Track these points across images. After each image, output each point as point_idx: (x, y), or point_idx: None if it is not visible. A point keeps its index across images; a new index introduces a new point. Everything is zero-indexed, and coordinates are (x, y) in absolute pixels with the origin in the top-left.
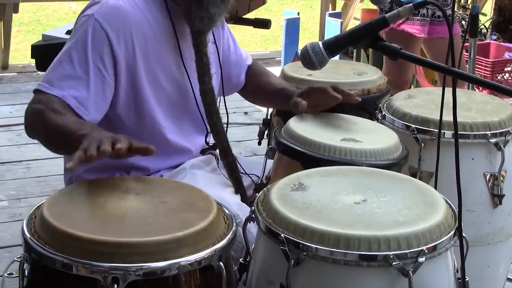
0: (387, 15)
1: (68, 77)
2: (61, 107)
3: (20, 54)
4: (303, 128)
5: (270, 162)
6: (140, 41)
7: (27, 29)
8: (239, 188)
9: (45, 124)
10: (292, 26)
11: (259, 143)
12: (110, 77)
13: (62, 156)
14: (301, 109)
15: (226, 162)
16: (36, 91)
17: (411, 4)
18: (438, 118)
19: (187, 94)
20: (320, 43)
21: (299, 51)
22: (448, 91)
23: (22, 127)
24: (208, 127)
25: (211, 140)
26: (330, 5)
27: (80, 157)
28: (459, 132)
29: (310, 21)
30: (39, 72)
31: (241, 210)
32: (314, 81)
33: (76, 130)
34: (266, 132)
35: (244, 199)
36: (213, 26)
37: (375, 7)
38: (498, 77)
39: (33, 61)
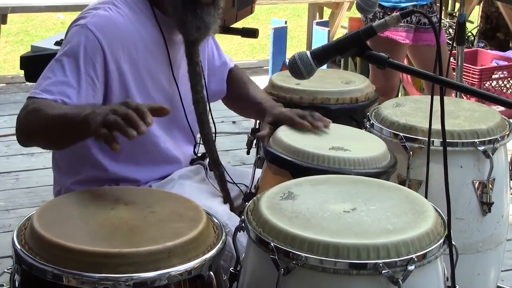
0: (374, 24)
1: (59, 83)
2: (55, 103)
3: (8, 65)
4: (292, 137)
5: (259, 172)
6: (131, 51)
7: (15, 40)
8: (227, 198)
9: (44, 119)
10: (280, 35)
11: (248, 153)
12: (101, 86)
13: (50, 167)
14: (259, 137)
15: (216, 173)
16: (27, 99)
17: (398, 13)
18: (426, 126)
19: (177, 104)
20: (308, 53)
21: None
22: (436, 99)
23: (11, 138)
24: (197, 138)
25: (199, 151)
26: (317, 13)
27: (106, 135)
28: (447, 140)
29: (297, 30)
30: (27, 83)
31: (230, 220)
32: (302, 90)
33: (78, 113)
34: (254, 141)
35: (232, 208)
36: (208, 35)
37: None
38: (486, 85)
39: (22, 72)
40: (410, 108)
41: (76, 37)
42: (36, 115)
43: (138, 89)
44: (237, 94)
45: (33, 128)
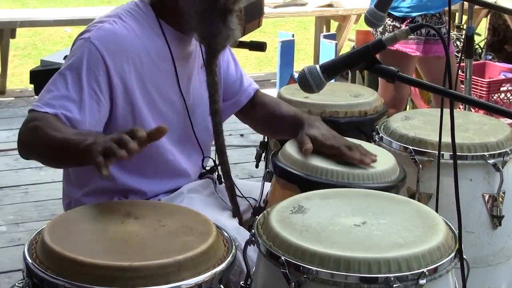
0: (383, 38)
1: (61, 97)
2: (57, 122)
3: (17, 79)
4: (300, 151)
5: (268, 185)
6: (136, 64)
7: (23, 54)
8: (236, 211)
9: (45, 140)
10: (287, 48)
11: (257, 166)
12: (106, 100)
13: (61, 180)
14: (305, 152)
15: (227, 184)
16: (29, 111)
17: (407, 27)
18: (436, 139)
19: (184, 117)
20: (318, 67)
21: (294, 73)
22: (446, 112)
23: None
24: (204, 151)
25: (207, 164)
26: (324, 26)
27: (101, 163)
28: (457, 153)
29: (304, 43)
30: (36, 97)
31: (239, 234)
32: (311, 104)
33: (80, 141)
34: (263, 154)
35: (240, 222)
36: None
37: (369, 28)
38: (494, 97)
39: (30, 85)
40: (419, 121)
41: (79, 51)
42: (37, 134)
43: (145, 102)
44: (267, 114)
45: (34, 146)
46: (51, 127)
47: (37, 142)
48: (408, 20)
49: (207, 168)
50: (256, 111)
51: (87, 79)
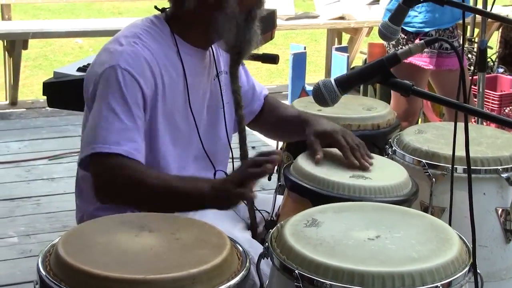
0: (398, 52)
1: (121, 131)
2: (144, 168)
3: (27, 89)
4: (312, 165)
5: (280, 198)
6: (159, 83)
7: (34, 64)
8: (253, 222)
9: (146, 191)
10: (299, 61)
11: (269, 179)
12: (145, 120)
13: (73, 191)
14: (316, 160)
15: None
16: (94, 155)
17: (422, 41)
18: (449, 153)
19: (195, 132)
20: (332, 80)
21: (306, 86)
22: (459, 126)
23: (32, 163)
24: (215, 165)
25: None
26: (336, 39)
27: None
28: (471, 167)
29: (315, 54)
30: (47, 108)
31: (252, 247)
32: (323, 117)
33: (191, 189)
34: (275, 167)
35: (256, 233)
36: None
37: (381, 40)
38: (506, 110)
39: (42, 96)
40: (432, 134)
41: (113, 79)
42: (135, 185)
43: (165, 120)
44: (275, 117)
45: (133, 198)
46: (146, 175)
47: (136, 193)
48: (421, 35)
49: None
50: (265, 116)
51: (132, 105)
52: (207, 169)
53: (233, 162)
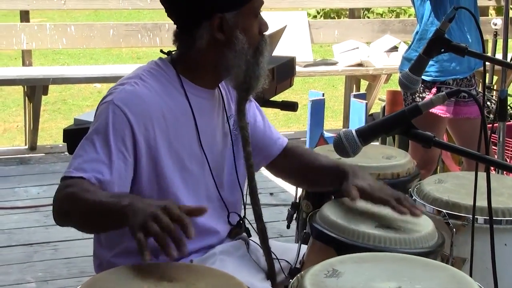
0: (420, 103)
1: (91, 161)
2: (90, 185)
3: (46, 134)
4: (338, 214)
5: (304, 247)
6: (160, 123)
7: (52, 109)
8: (272, 272)
9: (79, 205)
10: (317, 108)
11: (288, 227)
12: (132, 158)
13: (92, 236)
14: (352, 201)
15: (259, 227)
16: (62, 179)
17: (444, 93)
18: (470, 203)
19: (207, 172)
20: (353, 131)
21: (324, 132)
22: (480, 176)
23: (50, 208)
24: (228, 207)
25: (232, 220)
26: (354, 85)
27: (143, 243)
28: (492, 218)
29: (333, 100)
30: (66, 153)
31: None
32: None
33: (114, 203)
34: (294, 215)
35: (274, 282)
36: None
37: (399, 87)
38: None
39: (60, 141)
40: (452, 184)
41: (104, 114)
42: (71, 199)
43: (172, 161)
44: (304, 165)
45: (69, 212)
46: (84, 190)
47: (72, 208)
48: (438, 83)
49: (234, 224)
50: (290, 162)
51: (114, 140)
52: (221, 210)
53: (244, 205)
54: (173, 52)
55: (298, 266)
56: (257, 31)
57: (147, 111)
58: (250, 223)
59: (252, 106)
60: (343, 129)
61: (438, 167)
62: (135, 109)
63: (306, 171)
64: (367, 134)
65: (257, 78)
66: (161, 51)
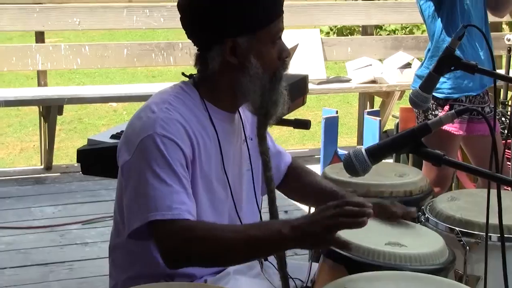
0: (429, 122)
1: (169, 194)
2: (208, 224)
3: (62, 153)
4: (347, 231)
5: (315, 266)
6: (195, 145)
7: (68, 128)
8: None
9: (227, 246)
10: (331, 125)
11: None
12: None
13: (106, 256)
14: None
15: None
16: (150, 224)
17: (453, 111)
18: (483, 221)
19: (228, 195)
20: (363, 150)
21: (338, 150)
22: (493, 193)
23: (65, 227)
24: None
25: None
26: (368, 102)
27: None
28: (505, 235)
29: (347, 117)
30: (81, 173)
31: None
32: (355, 183)
33: (275, 235)
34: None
35: None
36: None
37: None
38: None
39: (75, 160)
40: (465, 202)
41: (154, 148)
42: (212, 243)
43: (203, 184)
44: (304, 184)
45: (210, 255)
46: (219, 229)
47: (214, 250)
48: (451, 101)
49: None
50: (289, 181)
51: (177, 168)
52: None
53: None
54: (194, 75)
55: (309, 285)
56: (275, 57)
57: (187, 135)
58: None
59: None
60: (352, 149)
61: (453, 184)
62: (178, 135)
63: (308, 190)
64: (377, 153)
65: (274, 103)
66: (183, 74)
